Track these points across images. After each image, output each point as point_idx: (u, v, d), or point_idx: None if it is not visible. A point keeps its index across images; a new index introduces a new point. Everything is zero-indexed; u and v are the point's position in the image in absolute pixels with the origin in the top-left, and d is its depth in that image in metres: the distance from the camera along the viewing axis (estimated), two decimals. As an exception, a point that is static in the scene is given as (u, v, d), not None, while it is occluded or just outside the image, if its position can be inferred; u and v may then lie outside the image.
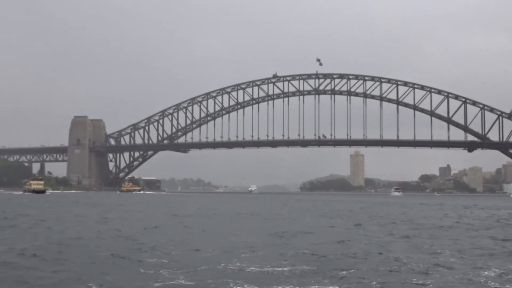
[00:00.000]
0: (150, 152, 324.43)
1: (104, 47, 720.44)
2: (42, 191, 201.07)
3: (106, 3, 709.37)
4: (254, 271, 21.53)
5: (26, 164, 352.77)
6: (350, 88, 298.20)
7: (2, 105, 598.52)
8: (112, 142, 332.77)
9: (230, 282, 19.10)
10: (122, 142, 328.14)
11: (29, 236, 34.40)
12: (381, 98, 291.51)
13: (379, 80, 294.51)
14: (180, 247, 28.87)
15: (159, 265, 22.68)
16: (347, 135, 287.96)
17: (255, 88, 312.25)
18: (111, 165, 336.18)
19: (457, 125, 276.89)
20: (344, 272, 21.22)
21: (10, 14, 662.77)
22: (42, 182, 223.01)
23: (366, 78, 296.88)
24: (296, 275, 20.61)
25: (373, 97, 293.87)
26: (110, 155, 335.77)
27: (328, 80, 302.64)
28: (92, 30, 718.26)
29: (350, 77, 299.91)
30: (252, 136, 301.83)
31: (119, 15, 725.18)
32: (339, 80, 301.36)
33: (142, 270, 21.38)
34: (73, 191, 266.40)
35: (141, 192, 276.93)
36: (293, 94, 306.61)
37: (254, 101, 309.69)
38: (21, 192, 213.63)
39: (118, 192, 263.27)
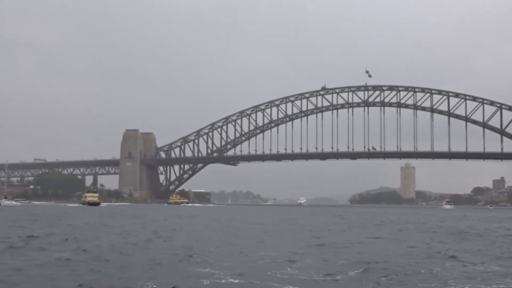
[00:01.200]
0: (199, 165, 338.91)
1: (154, 61, 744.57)
2: (96, 204, 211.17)
3: (155, 19, 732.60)
4: (301, 277, 22.97)
5: (79, 177, 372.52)
6: (400, 100, 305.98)
7: (58, 120, 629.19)
8: (163, 155, 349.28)
9: (276, 285, 20.89)
10: (172, 155, 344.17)
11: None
12: (432, 110, 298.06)
13: (430, 91, 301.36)
14: (233, 255, 31.39)
15: (212, 268, 25.18)
16: (397, 147, 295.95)
17: (304, 100, 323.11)
18: (162, 178, 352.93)
19: (511, 136, 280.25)
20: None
21: (68, 36, 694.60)
22: (97, 195, 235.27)
23: (416, 89, 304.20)
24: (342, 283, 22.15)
25: (423, 108, 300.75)
26: (161, 168, 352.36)
27: (377, 92, 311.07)
28: (142, 46, 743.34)
29: (400, 88, 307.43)
30: (301, 149, 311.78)
31: (168, 31, 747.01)
32: (388, 92, 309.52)
33: (198, 270, 24.42)
34: (123, 204, 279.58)
35: (189, 204, 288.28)
36: (342, 106, 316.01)
37: (302, 114, 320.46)
38: (77, 204, 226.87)
39: (166, 204, 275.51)
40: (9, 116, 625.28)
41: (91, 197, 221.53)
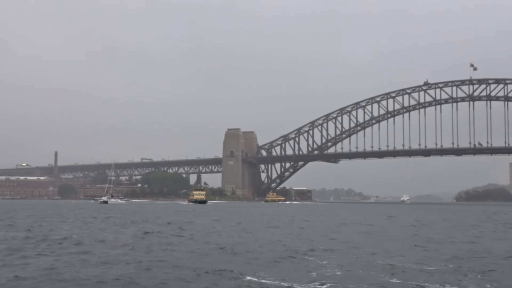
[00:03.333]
0: (300, 163, 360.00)
1: (255, 60, 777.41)
2: (203, 201, 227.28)
3: (255, 19, 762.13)
4: (404, 267, 25.75)
5: (184, 175, 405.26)
6: (508, 93, 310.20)
7: (161, 121, 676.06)
8: (264, 153, 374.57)
9: (380, 275, 23.34)
10: (273, 153, 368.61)
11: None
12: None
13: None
14: (344, 250, 34.64)
15: (322, 260, 28.53)
16: (505, 142, 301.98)
17: (406, 96, 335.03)
18: (263, 176, 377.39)
19: None
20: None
21: (170, 38, 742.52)
22: (204, 193, 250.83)
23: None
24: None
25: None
26: (262, 166, 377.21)
27: (483, 86, 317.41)
28: (243, 46, 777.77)
29: (507, 81, 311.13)
30: (403, 145, 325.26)
31: (267, 29, 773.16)
32: (495, 85, 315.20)
33: (308, 265, 27.15)
34: (227, 201, 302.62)
35: (287, 202, 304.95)
36: (446, 101, 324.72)
37: (404, 110, 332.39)
38: (186, 202, 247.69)
39: (263, 202, 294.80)
40: (116, 118, 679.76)
41: (198, 195, 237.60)
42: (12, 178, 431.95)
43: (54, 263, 27.16)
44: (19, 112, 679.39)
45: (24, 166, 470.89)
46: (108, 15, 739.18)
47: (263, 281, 21.82)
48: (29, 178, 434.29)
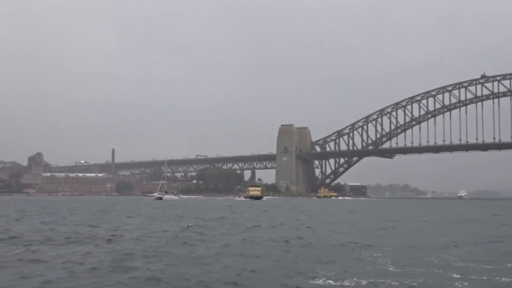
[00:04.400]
0: (355, 158, 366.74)
1: (309, 56, 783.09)
2: (259, 197, 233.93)
3: (309, 13, 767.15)
4: (457, 264, 25.71)
5: (238, 171, 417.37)
6: None
7: (215, 117, 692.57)
8: (318, 149, 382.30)
9: (437, 270, 23.51)
10: (327, 149, 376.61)
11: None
12: None
13: None
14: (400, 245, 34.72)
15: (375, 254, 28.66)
16: None
17: (462, 90, 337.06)
18: (317, 172, 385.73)
19: None
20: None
21: (222, 36, 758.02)
22: (260, 189, 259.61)
23: None
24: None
25: None
26: (316, 162, 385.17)
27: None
28: (297, 41, 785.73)
29: None
30: (460, 140, 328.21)
31: (322, 25, 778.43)
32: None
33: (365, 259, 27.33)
34: (281, 197, 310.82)
35: (340, 198, 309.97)
36: (504, 94, 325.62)
37: (461, 103, 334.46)
38: (242, 198, 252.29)
39: (314, 198, 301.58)
40: (171, 115, 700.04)
41: (254, 191, 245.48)
42: (71, 175, 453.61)
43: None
44: (77, 111, 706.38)
45: (82, 163, 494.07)
46: (162, 16, 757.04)
47: (320, 271, 22.79)
48: (87, 175, 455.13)
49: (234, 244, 34.02)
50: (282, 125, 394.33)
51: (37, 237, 38.43)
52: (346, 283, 20.11)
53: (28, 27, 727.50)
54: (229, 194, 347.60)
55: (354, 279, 20.80)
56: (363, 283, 20.19)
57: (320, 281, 20.60)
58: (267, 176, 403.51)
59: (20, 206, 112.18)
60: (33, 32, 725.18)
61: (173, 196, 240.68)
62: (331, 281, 20.36)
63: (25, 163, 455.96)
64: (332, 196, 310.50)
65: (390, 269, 23.77)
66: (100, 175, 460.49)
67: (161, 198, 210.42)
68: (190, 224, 53.14)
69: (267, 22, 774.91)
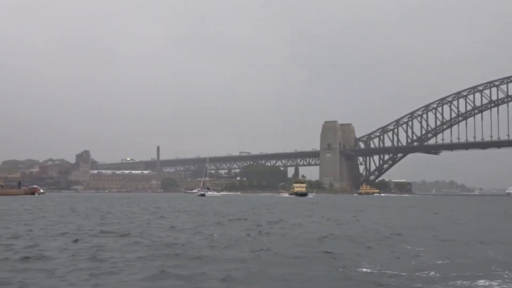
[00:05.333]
0: (399, 155, 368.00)
1: (351, 51, 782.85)
2: (304, 194, 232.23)
3: (352, 9, 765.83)
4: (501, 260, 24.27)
5: (281, 168, 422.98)
6: None
7: (261, 114, 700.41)
8: (362, 145, 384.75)
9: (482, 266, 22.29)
10: (371, 145, 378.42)
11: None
12: None
13: None
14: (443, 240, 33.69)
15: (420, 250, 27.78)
16: None
17: (510, 84, 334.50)
18: (361, 168, 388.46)
19: None
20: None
21: (268, 32, 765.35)
22: (305, 185, 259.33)
23: None
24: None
25: None
26: (360, 158, 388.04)
27: None
28: (340, 37, 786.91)
29: None
30: (508, 135, 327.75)
31: (365, 20, 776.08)
32: None
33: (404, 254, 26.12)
34: (326, 194, 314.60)
35: (382, 194, 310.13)
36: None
37: (509, 99, 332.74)
38: (286, 195, 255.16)
39: (355, 194, 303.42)
40: (215, 112, 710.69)
41: (299, 187, 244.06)
42: (117, 172, 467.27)
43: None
44: (124, 108, 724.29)
45: (128, 160, 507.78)
46: (212, 13, 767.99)
47: (363, 264, 22.55)
48: (133, 172, 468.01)
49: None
50: (325, 122, 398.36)
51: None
52: (388, 272, 20.47)
53: (80, 24, 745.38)
54: (272, 191, 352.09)
55: (397, 270, 20.88)
56: (404, 274, 20.19)
57: (364, 269, 21.16)
58: (311, 173, 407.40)
59: (114, 202, 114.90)
60: (84, 29, 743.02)
61: (215, 193, 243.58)
62: (375, 271, 20.80)
63: (73, 160, 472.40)
64: (374, 193, 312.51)
65: (437, 262, 23.41)
66: (145, 172, 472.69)
67: (203, 195, 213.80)
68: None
69: (313, 19, 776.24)
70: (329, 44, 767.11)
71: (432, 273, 20.27)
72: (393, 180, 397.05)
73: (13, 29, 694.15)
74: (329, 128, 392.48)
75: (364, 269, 21.08)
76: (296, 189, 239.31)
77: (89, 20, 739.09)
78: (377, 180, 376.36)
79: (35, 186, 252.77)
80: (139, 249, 26.49)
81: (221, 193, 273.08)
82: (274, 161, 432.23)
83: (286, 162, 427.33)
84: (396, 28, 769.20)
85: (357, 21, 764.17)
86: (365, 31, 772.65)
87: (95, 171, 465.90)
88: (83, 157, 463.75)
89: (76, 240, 30.17)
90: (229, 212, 70.62)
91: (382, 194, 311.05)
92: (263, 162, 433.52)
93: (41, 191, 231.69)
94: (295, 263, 22.65)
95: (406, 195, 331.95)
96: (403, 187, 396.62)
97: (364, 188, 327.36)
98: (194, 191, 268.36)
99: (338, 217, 58.75)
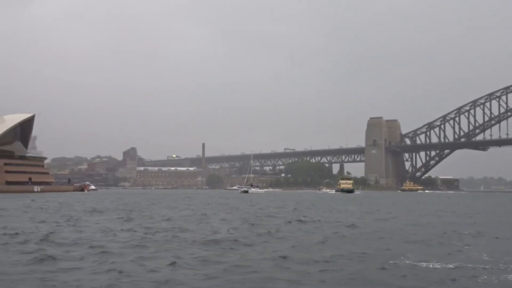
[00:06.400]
0: (446, 151, 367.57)
1: (396, 46, 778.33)
2: (350, 191, 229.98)
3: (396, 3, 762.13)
4: None
5: (326, 165, 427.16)
6: None
7: (306, 111, 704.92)
8: (408, 141, 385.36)
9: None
10: (418, 142, 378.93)
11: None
12: None
13: None
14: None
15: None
16: None
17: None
18: (407, 165, 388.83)
19: None
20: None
21: (315, 30, 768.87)
22: (351, 182, 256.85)
23: None
24: None
25: None
26: (406, 155, 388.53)
27: None
28: (385, 31, 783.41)
29: None
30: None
31: (411, 14, 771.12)
32: None
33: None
34: (373, 191, 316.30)
35: (427, 191, 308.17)
36: None
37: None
38: (333, 191, 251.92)
39: (399, 191, 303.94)
40: (260, 109, 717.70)
41: (345, 184, 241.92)
42: (163, 169, 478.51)
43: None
44: (170, 106, 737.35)
45: (174, 157, 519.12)
46: (256, 10, 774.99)
47: (414, 259, 22.56)
48: (179, 168, 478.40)
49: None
50: (371, 118, 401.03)
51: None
52: (437, 265, 20.95)
53: (125, 25, 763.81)
54: (316, 188, 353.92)
55: (444, 262, 21.53)
56: (452, 266, 20.76)
57: (411, 261, 21.72)
58: (356, 169, 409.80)
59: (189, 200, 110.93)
60: (129, 30, 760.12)
61: (258, 190, 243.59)
62: (423, 263, 21.24)
63: (120, 157, 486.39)
64: (417, 189, 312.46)
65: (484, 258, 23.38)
66: (191, 169, 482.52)
67: (246, 192, 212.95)
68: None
69: (357, 13, 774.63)
70: (374, 41, 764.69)
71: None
72: (440, 177, 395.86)
73: (67, 31, 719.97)
74: (374, 124, 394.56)
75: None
76: (342, 186, 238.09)
77: (138, 21, 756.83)
78: (423, 177, 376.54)
79: (87, 182, 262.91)
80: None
81: (264, 190, 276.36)
82: (319, 158, 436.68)
83: (331, 158, 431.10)
84: (443, 21, 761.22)
85: (399, 16, 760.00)
86: (408, 27, 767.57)
87: (142, 168, 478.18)
88: (130, 154, 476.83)
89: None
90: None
91: (426, 191, 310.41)
92: (307, 158, 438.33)
93: (93, 187, 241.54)
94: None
95: (451, 192, 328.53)
96: (450, 184, 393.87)
97: (408, 185, 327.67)
98: (234, 187, 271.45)
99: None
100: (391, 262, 21.54)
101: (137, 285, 16.99)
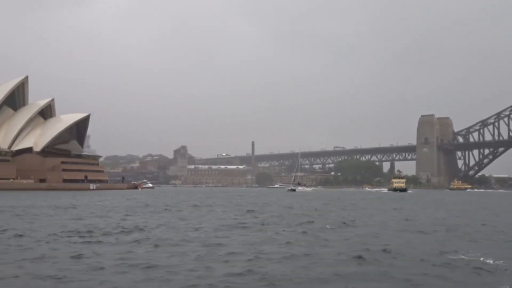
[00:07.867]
0: (500, 149, 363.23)
1: (450, 43, 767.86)
2: (403, 189, 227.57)
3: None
4: None
5: (376, 163, 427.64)
6: None
7: (355, 109, 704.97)
8: (460, 139, 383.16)
9: None
10: (471, 139, 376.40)
11: None
12: None
13: None
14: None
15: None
16: None
17: None
18: (460, 163, 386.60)
19: None
20: None
21: (365, 28, 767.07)
22: (404, 180, 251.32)
23: None
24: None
25: None
26: (459, 153, 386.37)
27: None
28: (439, 27, 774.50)
29: None
30: None
31: (465, 10, 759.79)
32: None
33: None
34: (424, 190, 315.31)
35: (475, 190, 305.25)
36: None
37: None
38: (386, 190, 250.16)
39: (447, 190, 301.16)
40: (310, 108, 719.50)
41: (398, 182, 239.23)
42: (213, 167, 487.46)
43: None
44: (220, 105, 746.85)
45: (224, 155, 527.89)
46: (306, 10, 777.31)
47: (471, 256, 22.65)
48: (229, 167, 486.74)
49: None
50: (422, 116, 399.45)
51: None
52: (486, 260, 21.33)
53: (182, 22, 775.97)
54: (365, 186, 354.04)
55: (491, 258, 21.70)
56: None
57: (461, 256, 22.31)
58: (407, 167, 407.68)
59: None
60: (186, 28, 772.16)
61: (306, 188, 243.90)
62: (472, 258, 21.76)
63: (171, 155, 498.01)
64: (466, 188, 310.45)
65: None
66: (241, 167, 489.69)
67: (294, 190, 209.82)
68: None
69: (410, 10, 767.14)
70: (425, 38, 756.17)
71: None
72: (494, 175, 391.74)
73: (124, 30, 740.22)
74: (426, 122, 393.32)
75: None
76: (395, 185, 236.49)
77: (191, 17, 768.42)
78: (476, 175, 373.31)
79: (144, 180, 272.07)
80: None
81: (311, 188, 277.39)
82: (369, 156, 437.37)
83: (381, 157, 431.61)
84: (496, 15, 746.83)
85: (454, 13, 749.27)
86: (463, 23, 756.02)
87: (192, 166, 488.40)
88: (181, 152, 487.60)
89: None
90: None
91: (475, 190, 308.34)
92: (357, 157, 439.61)
93: (150, 185, 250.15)
94: None
95: (502, 190, 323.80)
96: (505, 183, 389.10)
97: (456, 183, 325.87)
98: (276, 186, 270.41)
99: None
100: None
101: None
